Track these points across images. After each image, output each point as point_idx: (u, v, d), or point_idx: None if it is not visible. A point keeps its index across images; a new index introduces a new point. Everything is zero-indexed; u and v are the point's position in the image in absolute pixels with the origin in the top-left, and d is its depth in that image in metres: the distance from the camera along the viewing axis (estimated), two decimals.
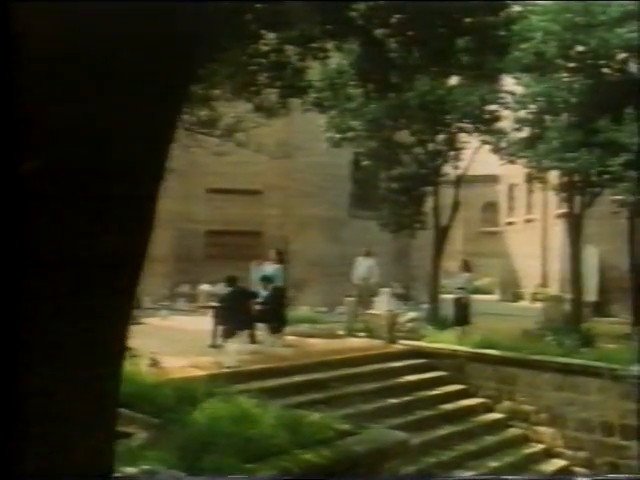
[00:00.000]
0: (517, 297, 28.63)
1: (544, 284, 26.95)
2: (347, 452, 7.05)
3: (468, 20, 8.86)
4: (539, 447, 13.14)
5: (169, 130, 2.21)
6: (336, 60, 12.90)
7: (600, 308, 19.88)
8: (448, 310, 17.21)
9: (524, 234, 29.62)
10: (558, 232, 25.21)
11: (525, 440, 13.29)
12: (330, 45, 10.33)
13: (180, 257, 21.65)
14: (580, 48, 13.84)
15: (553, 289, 24.80)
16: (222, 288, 14.02)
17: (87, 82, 1.95)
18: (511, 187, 31.79)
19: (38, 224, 1.95)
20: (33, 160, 1.90)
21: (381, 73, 10.27)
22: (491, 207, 34.50)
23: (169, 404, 8.93)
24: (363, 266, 18.54)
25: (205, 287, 19.18)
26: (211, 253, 21.85)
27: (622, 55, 14.23)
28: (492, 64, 10.53)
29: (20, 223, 1.93)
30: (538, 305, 23.29)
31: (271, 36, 10.16)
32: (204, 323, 15.83)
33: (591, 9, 13.46)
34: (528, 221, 29.74)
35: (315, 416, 8.46)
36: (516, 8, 11.54)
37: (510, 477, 11.74)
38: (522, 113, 15.78)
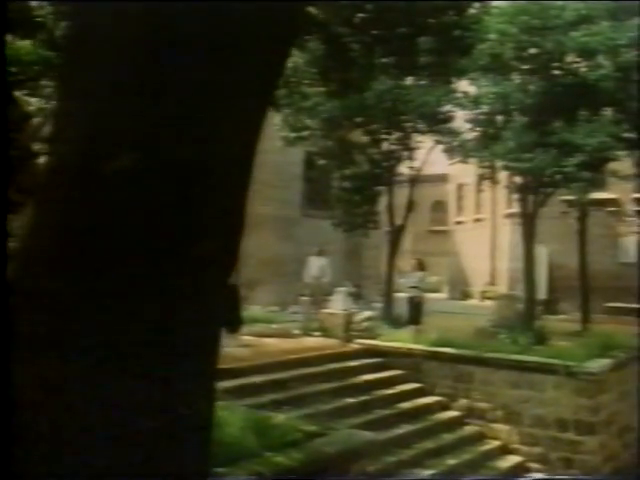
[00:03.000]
0: (466, 295, 29.00)
1: (493, 283, 27.36)
2: (318, 454, 6.98)
3: (432, 20, 8.87)
4: (495, 444, 13.28)
5: (250, 135, 2.13)
6: (292, 58, 12.81)
7: (549, 306, 20.25)
8: (402, 309, 17.31)
9: (473, 233, 30.02)
10: (507, 231, 25.65)
11: (481, 437, 13.42)
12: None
13: None
14: (536, 50, 14.04)
15: (502, 288, 25.19)
16: None
17: (174, 80, 1.86)
18: (460, 187, 32.18)
19: (125, 223, 1.85)
20: (120, 158, 1.80)
21: (342, 72, 10.24)
22: (440, 206, 34.88)
23: None
24: (315, 265, 18.48)
25: None
26: None
27: (576, 58, 14.49)
28: (455, 64, 10.59)
29: (106, 222, 1.83)
30: (487, 303, 23.64)
31: None
32: None
33: (546, 12, 13.67)
34: (477, 220, 30.15)
35: (280, 417, 8.37)
36: (472, 10, 11.63)
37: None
38: (477, 114, 15.93)
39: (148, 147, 1.85)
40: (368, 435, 8.29)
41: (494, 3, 12.88)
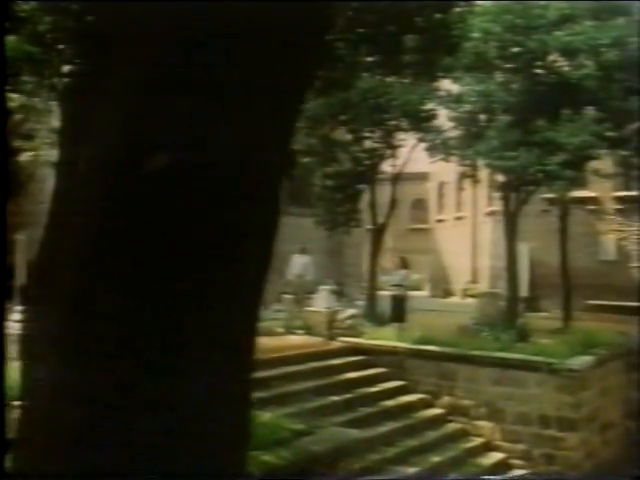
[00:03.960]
0: (447, 293, 29.12)
1: (474, 280, 27.50)
2: (305, 452, 6.98)
3: (418, 19, 8.88)
4: (479, 441, 13.35)
5: (285, 134, 2.12)
6: None
7: (531, 304, 20.38)
8: (384, 307, 17.35)
9: (454, 231, 30.15)
10: (488, 229, 25.78)
11: (465, 434, 13.48)
12: None
13: None
14: (519, 49, 14.12)
15: (483, 285, 25.33)
16: None
17: (210, 79, 1.84)
18: (441, 185, 32.30)
19: (162, 224, 1.82)
20: (157, 159, 1.77)
21: (327, 70, 10.22)
22: (420, 204, 34.94)
23: None
24: (298, 263, 18.44)
25: None
26: None
27: (559, 57, 14.59)
28: (440, 63, 10.61)
29: (145, 221, 1.81)
30: (469, 301, 23.76)
31: None
32: None
33: (530, 11, 13.75)
34: (458, 218, 30.28)
35: (266, 416, 8.36)
36: (457, 9, 11.66)
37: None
38: (460, 112, 15.98)
39: (184, 147, 1.83)
40: (355, 433, 8.31)
41: (478, 2, 12.92)
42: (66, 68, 7.99)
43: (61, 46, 7.90)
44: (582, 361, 13.22)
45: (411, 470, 11.50)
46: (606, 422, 14.08)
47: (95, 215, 1.89)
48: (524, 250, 20.32)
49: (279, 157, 2.09)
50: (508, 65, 14.72)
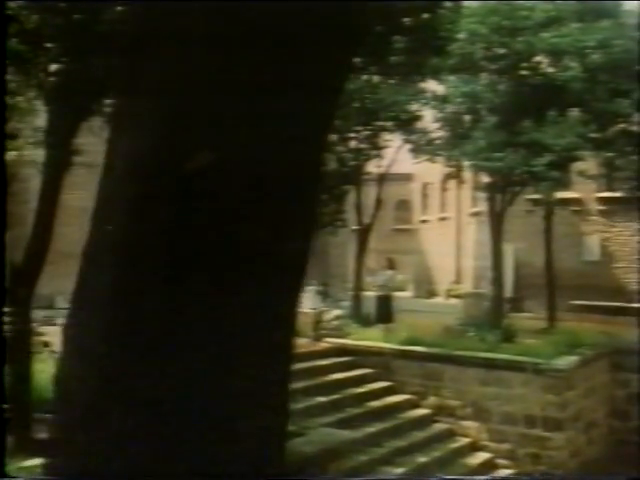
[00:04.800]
0: (431, 294, 29.18)
1: (458, 281, 27.59)
2: (297, 453, 6.95)
3: (406, 19, 8.87)
4: (465, 441, 13.39)
5: (323, 132, 2.10)
6: None
7: (515, 304, 20.48)
8: (370, 308, 17.35)
9: (438, 232, 30.23)
10: (472, 230, 25.87)
11: (451, 435, 13.52)
12: None
13: None
14: (506, 51, 14.18)
15: (467, 286, 25.41)
16: None
17: (249, 78, 1.81)
18: (425, 185, 32.37)
19: (202, 223, 1.80)
20: (200, 158, 1.74)
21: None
22: (404, 205, 35.00)
23: None
24: None
25: None
26: None
27: (544, 59, 14.67)
28: (428, 64, 10.62)
29: (185, 220, 1.78)
30: (453, 301, 23.82)
31: None
32: None
33: (516, 13, 13.82)
34: (442, 219, 30.36)
35: None
36: (443, 10, 11.67)
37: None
38: (446, 113, 16.02)
39: (225, 147, 1.80)
40: (345, 434, 8.29)
41: (465, 3, 12.96)
42: (54, 67, 7.92)
43: (49, 44, 7.81)
44: (567, 361, 13.31)
45: (398, 471, 11.51)
46: (591, 421, 14.18)
47: (135, 214, 1.86)
48: (508, 251, 20.43)
49: (318, 156, 2.07)
50: (494, 66, 14.77)
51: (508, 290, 19.45)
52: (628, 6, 15.47)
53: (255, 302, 1.91)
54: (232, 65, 1.82)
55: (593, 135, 14.32)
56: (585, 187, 20.08)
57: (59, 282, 16.56)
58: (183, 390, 1.83)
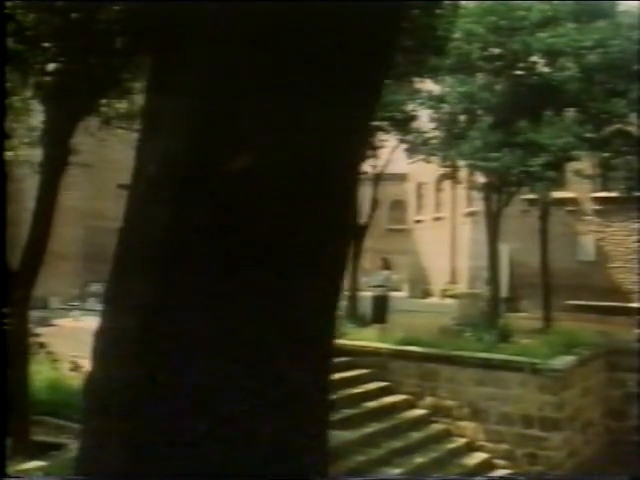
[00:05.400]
0: (426, 294, 29.18)
1: (453, 281, 27.60)
2: None
3: (407, 20, 8.85)
4: (462, 441, 13.38)
5: (365, 132, 2.07)
6: None
7: (510, 304, 20.49)
8: (366, 308, 17.33)
9: (433, 232, 30.23)
10: (467, 230, 25.88)
11: (448, 435, 13.51)
12: None
13: (90, 255, 20.82)
14: (502, 51, 14.18)
15: (462, 286, 25.42)
16: None
17: (291, 78, 1.78)
18: (419, 185, 32.36)
19: (242, 224, 1.76)
20: (241, 158, 1.71)
21: None
22: (399, 205, 34.98)
23: None
24: None
25: None
26: None
27: (541, 59, 14.68)
28: (426, 64, 10.61)
29: (225, 223, 1.75)
30: (448, 301, 23.82)
31: None
32: None
33: (513, 13, 13.82)
34: (437, 219, 30.36)
35: None
36: (442, 10, 11.66)
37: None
38: (442, 113, 16.01)
39: (266, 147, 1.77)
40: (342, 435, 8.26)
41: (462, 3, 12.95)
42: (51, 66, 7.87)
43: (46, 44, 7.76)
44: (564, 361, 13.31)
45: (395, 471, 11.49)
46: (587, 421, 14.20)
47: (173, 217, 1.82)
48: (503, 250, 20.44)
49: (358, 158, 2.05)
50: (491, 66, 14.77)
51: (503, 290, 19.46)
52: (624, 6, 15.52)
53: (295, 304, 1.88)
54: (271, 65, 1.79)
55: (589, 135, 14.33)
56: (580, 187, 20.11)
57: (52, 283, 16.49)
58: (228, 392, 1.81)
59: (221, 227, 1.78)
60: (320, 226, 1.90)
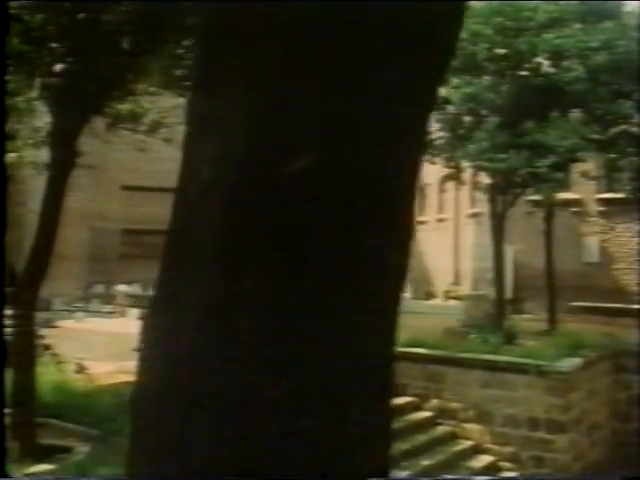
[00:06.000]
0: (429, 295, 29.11)
1: (456, 282, 27.53)
2: None
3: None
4: (468, 444, 13.33)
5: (423, 134, 2.03)
6: None
7: (515, 306, 20.43)
8: None
9: (436, 233, 30.14)
10: (470, 231, 25.83)
11: (454, 437, 13.46)
12: None
13: (94, 257, 20.85)
14: (509, 51, 14.14)
15: (465, 287, 25.36)
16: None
17: (354, 76, 1.74)
18: (422, 186, 32.31)
19: (303, 228, 1.72)
20: (300, 160, 1.66)
21: None
22: None
23: (106, 413, 8.54)
24: None
25: (122, 288, 18.55)
26: (127, 252, 21.15)
27: (547, 60, 14.64)
28: None
29: (285, 225, 1.70)
30: (451, 303, 23.77)
31: None
32: (123, 325, 15.31)
33: (519, 14, 13.78)
34: (440, 220, 30.29)
35: None
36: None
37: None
38: (447, 114, 15.96)
39: (327, 148, 1.72)
40: None
41: (468, 3, 12.86)
42: (58, 67, 7.83)
43: (53, 44, 7.72)
44: (570, 363, 13.25)
45: (402, 474, 11.45)
46: (593, 423, 14.14)
47: (230, 220, 1.77)
48: (507, 252, 20.40)
49: (417, 161, 2.01)
50: (496, 67, 14.73)
51: (507, 292, 19.40)
52: (629, 7, 15.47)
53: (357, 306, 1.83)
54: (330, 63, 1.74)
55: (595, 136, 14.29)
56: (585, 188, 20.06)
57: (56, 284, 16.46)
58: (293, 391, 1.77)
59: (282, 231, 1.73)
60: (383, 230, 1.85)
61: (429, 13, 1.80)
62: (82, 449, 7.58)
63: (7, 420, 7.33)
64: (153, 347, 1.91)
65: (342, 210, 1.75)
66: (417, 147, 1.99)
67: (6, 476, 4.67)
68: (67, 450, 7.65)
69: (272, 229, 1.72)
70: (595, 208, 21.39)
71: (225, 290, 1.75)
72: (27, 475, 6.71)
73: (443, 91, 16.13)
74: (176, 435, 1.79)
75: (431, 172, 24.89)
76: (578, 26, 13.99)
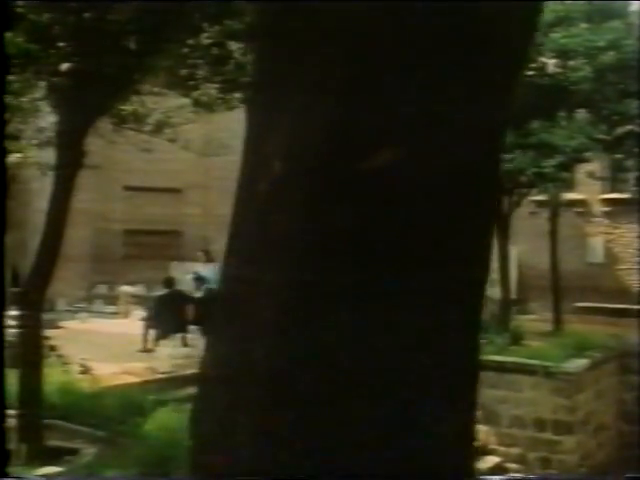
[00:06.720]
0: None
1: None
2: None
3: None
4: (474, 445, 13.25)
5: (504, 131, 2.00)
6: None
7: (519, 306, 20.36)
8: None
9: None
10: None
11: None
12: None
13: (96, 257, 20.78)
14: None
15: None
16: (158, 289, 13.52)
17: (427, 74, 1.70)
18: None
19: (386, 225, 1.67)
20: (382, 154, 1.61)
21: None
22: None
23: (113, 415, 8.49)
24: None
25: (125, 288, 18.50)
26: (129, 253, 21.09)
27: (553, 59, 14.60)
28: None
29: (364, 222, 1.66)
30: None
31: (213, 29, 9.80)
32: (127, 326, 15.26)
33: None
34: None
35: None
36: None
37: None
38: None
39: (410, 142, 1.67)
40: None
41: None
42: (65, 66, 7.77)
43: (60, 43, 7.67)
44: (577, 364, 13.21)
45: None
46: (600, 424, 14.08)
47: (308, 216, 1.72)
48: (512, 252, 20.34)
49: (499, 157, 1.97)
50: None
51: (512, 292, 19.33)
52: (636, 6, 15.41)
53: (435, 306, 1.79)
54: (407, 61, 1.69)
55: (602, 136, 14.24)
56: (589, 188, 19.99)
57: (59, 284, 16.40)
58: (374, 388, 1.73)
59: (364, 228, 1.68)
60: (467, 226, 1.81)
61: (506, 13, 1.77)
62: (89, 451, 7.53)
63: (15, 422, 7.30)
64: (227, 348, 1.86)
65: (427, 207, 1.71)
66: (499, 148, 1.97)
67: (6, 476, 4.62)
68: (74, 452, 7.60)
69: (355, 226, 1.67)
70: (599, 208, 21.31)
71: (309, 288, 1.70)
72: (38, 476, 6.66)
73: None
74: (262, 432, 1.74)
75: None
76: (584, 25, 13.95)
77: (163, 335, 12.19)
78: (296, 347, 1.71)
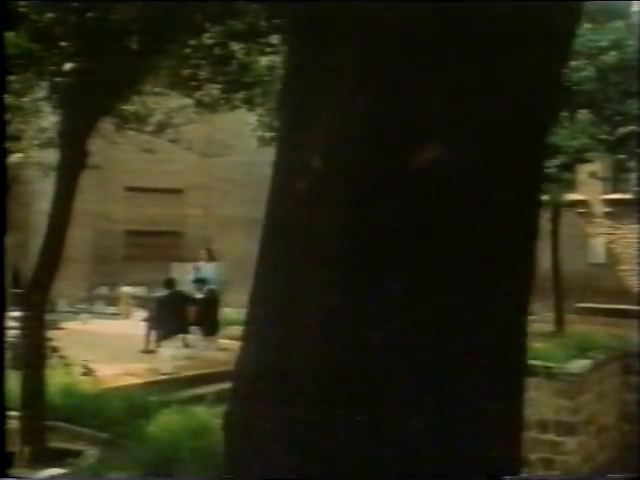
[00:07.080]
0: None
1: None
2: None
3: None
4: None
5: (549, 130, 1.98)
6: (268, 57, 12.56)
7: None
8: None
9: None
10: None
11: None
12: (277, 40, 10.06)
13: (97, 258, 20.77)
14: None
15: None
16: (160, 290, 13.49)
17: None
18: None
19: (431, 224, 1.65)
20: (426, 151, 1.58)
21: None
22: None
23: (115, 416, 8.47)
24: None
25: (126, 289, 18.49)
26: (130, 254, 21.07)
27: None
28: None
29: (411, 221, 1.63)
30: None
31: (216, 29, 9.79)
32: (128, 327, 15.25)
33: None
34: None
35: None
36: None
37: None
38: None
39: (455, 139, 1.64)
40: None
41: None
42: (68, 66, 7.74)
43: (63, 43, 7.64)
44: (580, 365, 13.18)
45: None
46: (602, 425, 14.06)
47: (353, 216, 1.69)
48: None
49: (543, 157, 1.95)
50: None
51: None
52: (638, 6, 15.40)
53: (485, 305, 1.77)
54: (452, 58, 1.66)
55: (604, 137, 14.22)
56: (590, 189, 19.98)
57: (60, 285, 16.38)
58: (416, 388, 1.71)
59: (408, 228, 1.65)
60: (514, 225, 1.79)
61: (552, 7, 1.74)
62: (92, 453, 7.50)
63: (17, 424, 7.28)
64: (270, 351, 1.83)
65: (473, 206, 1.68)
66: (545, 143, 1.94)
67: (6, 476, 4.59)
68: (77, 454, 7.57)
69: (399, 225, 1.64)
70: (601, 209, 21.29)
71: (356, 290, 1.67)
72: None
73: None
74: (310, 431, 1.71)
75: None
76: (587, 25, 13.92)
77: (164, 336, 12.15)
78: (343, 351, 1.69)
